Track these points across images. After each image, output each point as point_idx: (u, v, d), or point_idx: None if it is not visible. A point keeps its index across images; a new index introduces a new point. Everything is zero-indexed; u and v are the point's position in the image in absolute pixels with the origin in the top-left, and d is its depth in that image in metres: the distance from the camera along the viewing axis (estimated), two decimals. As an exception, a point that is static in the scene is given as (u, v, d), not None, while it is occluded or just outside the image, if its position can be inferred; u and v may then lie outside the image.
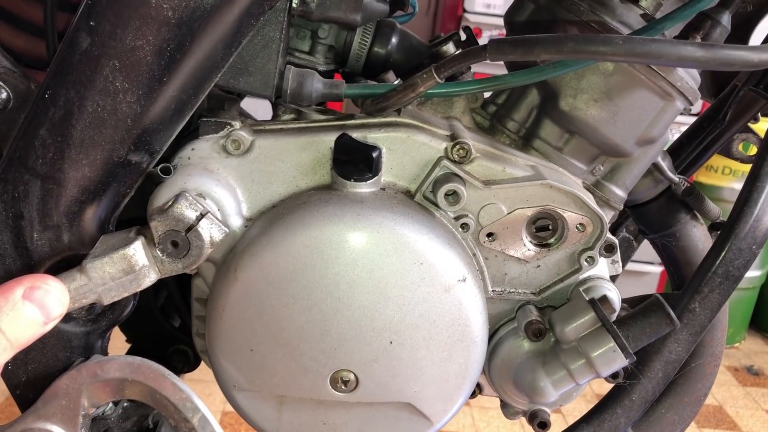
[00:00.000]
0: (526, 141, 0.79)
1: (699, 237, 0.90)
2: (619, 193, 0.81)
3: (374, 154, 0.69)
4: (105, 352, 0.75)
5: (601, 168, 0.81)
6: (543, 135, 0.78)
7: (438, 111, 0.80)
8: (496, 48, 0.62)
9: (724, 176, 3.13)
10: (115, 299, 0.63)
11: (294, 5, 0.69)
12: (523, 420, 0.82)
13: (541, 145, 0.78)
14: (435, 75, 0.67)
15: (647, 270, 3.12)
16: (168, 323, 0.89)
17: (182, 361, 0.88)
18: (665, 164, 0.86)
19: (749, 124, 0.97)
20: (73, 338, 0.72)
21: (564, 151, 0.78)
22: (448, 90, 0.71)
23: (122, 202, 0.70)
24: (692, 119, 1.03)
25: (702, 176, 3.12)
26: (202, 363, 0.90)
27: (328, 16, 0.72)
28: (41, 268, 0.69)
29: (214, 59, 0.65)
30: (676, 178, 0.86)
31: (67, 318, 0.71)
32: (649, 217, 0.90)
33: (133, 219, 0.73)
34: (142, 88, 0.64)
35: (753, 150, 0.95)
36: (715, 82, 1.00)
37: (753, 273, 3.20)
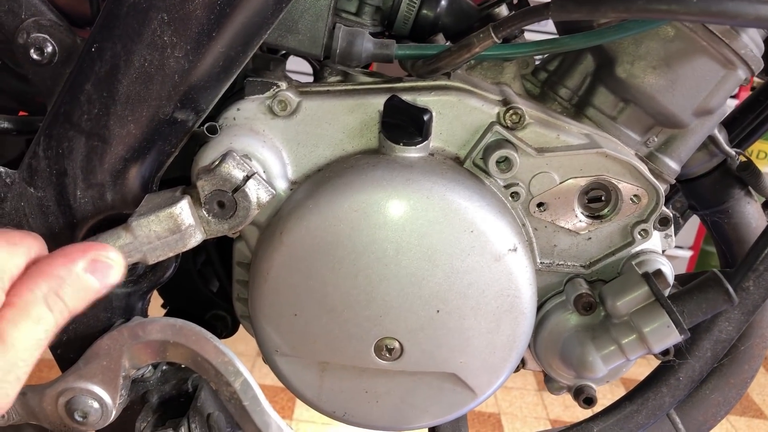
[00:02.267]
0: (578, 109, 0.77)
1: (753, 214, 0.87)
2: (673, 165, 0.79)
3: (425, 117, 0.67)
4: (145, 314, 0.74)
5: (656, 139, 0.78)
6: (597, 103, 0.75)
7: (488, 76, 0.78)
8: (560, 5, 0.59)
9: (759, 161, 3.06)
10: (160, 259, 0.62)
11: (346, -39, 0.67)
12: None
13: (595, 114, 0.76)
14: (493, 34, 0.64)
15: (677, 254, 3.07)
16: (206, 288, 0.88)
17: (220, 326, 0.87)
18: (721, 137, 0.83)
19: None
20: (114, 299, 0.71)
21: (618, 121, 0.76)
22: (504, 52, 0.69)
23: (167, 161, 0.68)
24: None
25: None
26: (239, 332, 0.89)
27: (378, -26, 0.69)
28: (84, 226, 0.68)
29: (263, 14, 0.63)
30: (732, 151, 0.83)
31: (109, 278, 0.70)
32: (702, 192, 0.87)
33: (175, 179, 0.72)
34: (191, 42, 0.62)
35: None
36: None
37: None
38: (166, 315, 0.88)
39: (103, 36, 0.63)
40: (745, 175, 0.84)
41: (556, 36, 0.71)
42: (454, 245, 0.65)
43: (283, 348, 0.70)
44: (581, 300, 0.71)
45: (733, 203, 0.87)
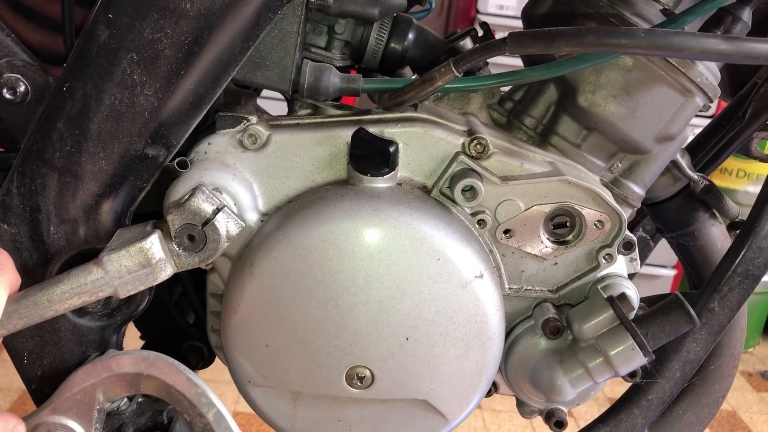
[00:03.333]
0: (543, 137, 0.78)
1: (718, 236, 0.89)
2: (637, 190, 0.81)
3: (391, 149, 0.69)
4: (120, 347, 0.75)
5: (620, 165, 0.80)
6: (561, 131, 0.77)
7: (454, 107, 0.80)
8: (516, 41, 0.61)
9: (739, 179, 3.10)
10: (131, 293, 0.63)
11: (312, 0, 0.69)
12: (535, 422, 0.81)
13: (559, 142, 0.78)
14: (453, 68, 0.66)
15: (661, 273, 3.09)
16: (182, 319, 0.88)
17: (196, 357, 0.88)
18: (684, 162, 0.85)
19: (768, 123, 0.96)
20: (88, 333, 0.72)
21: (582, 148, 0.78)
22: (466, 84, 0.71)
23: (139, 196, 0.70)
24: (707, 121, 1.02)
25: (716, 179, 3.09)
26: (216, 362, 0.90)
27: (345, 10, 0.71)
28: (57, 261, 0.69)
29: (231, 52, 0.65)
30: (695, 175, 0.85)
31: (83, 312, 0.71)
32: (667, 216, 0.89)
33: (149, 213, 0.73)
34: (160, 81, 0.64)
35: (774, 148, 0.94)
36: (733, 81, 0.99)
37: (764, 278, 3.17)
38: (143, 347, 0.89)
39: (74, 75, 0.64)
40: (709, 198, 0.87)
41: (521, 67, 0.74)
42: (422, 273, 0.66)
43: (255, 378, 0.70)
44: (549, 324, 0.72)
45: (698, 226, 0.89)
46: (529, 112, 0.79)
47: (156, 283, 0.64)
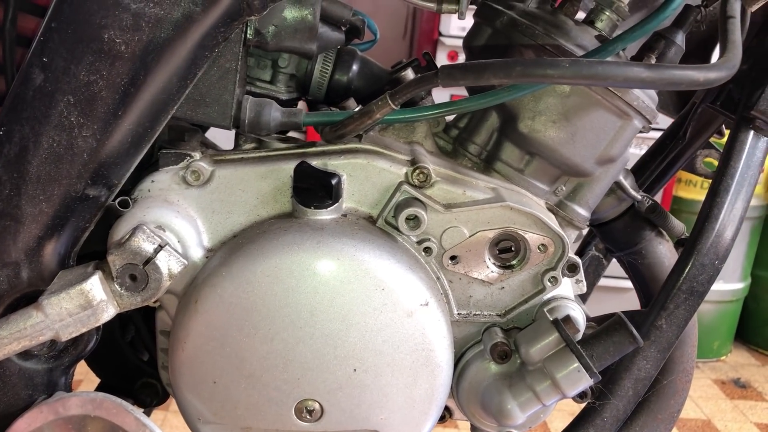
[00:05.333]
0: (487, 164, 0.80)
1: (665, 254, 0.91)
2: (581, 212, 0.82)
3: (333, 181, 0.69)
4: (69, 389, 0.74)
5: (563, 188, 0.81)
6: (504, 157, 0.79)
7: (400, 136, 0.80)
8: (448, 74, 0.63)
9: (703, 190, 3.15)
10: (74, 335, 0.63)
11: (249, 36, 0.70)
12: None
13: (503, 167, 0.79)
14: (390, 102, 0.67)
15: (629, 286, 3.13)
16: (135, 357, 0.88)
17: (151, 394, 0.87)
18: (628, 182, 0.87)
19: (712, 140, 0.98)
20: (35, 375, 0.71)
21: (525, 173, 0.79)
22: (405, 116, 0.72)
23: (82, 237, 0.70)
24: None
25: (681, 191, 3.15)
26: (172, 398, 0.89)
27: (283, 46, 0.72)
28: (1, 306, 0.69)
29: (169, 92, 0.66)
30: (638, 195, 0.87)
31: (29, 355, 0.70)
32: (615, 235, 0.91)
33: (96, 253, 0.73)
34: (98, 122, 0.64)
35: (716, 165, 0.96)
36: (679, 99, 1.02)
37: (735, 285, 3.21)
38: (98, 387, 0.88)
39: (11, 119, 0.64)
40: (653, 217, 0.88)
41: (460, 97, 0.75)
42: (367, 303, 0.67)
43: (205, 415, 0.70)
44: (497, 348, 0.73)
45: (645, 244, 0.90)
46: (472, 140, 0.80)
47: (98, 324, 0.63)
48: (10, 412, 0.70)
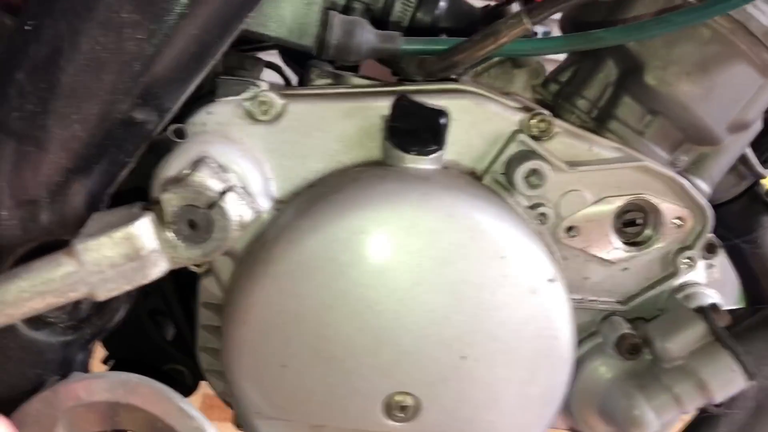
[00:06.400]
0: (600, 122, 0.67)
1: (783, 244, 0.79)
2: (704, 187, 0.70)
3: (442, 120, 0.56)
4: (86, 370, 0.59)
5: (684, 158, 0.69)
6: (621, 115, 0.66)
7: (495, 85, 0.68)
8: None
9: None
10: (113, 294, 0.48)
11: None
12: None
13: (619, 128, 0.66)
14: (526, 20, 0.54)
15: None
16: (160, 335, 0.73)
17: (177, 384, 0.72)
18: (751, 157, 0.75)
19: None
20: (46, 350, 0.56)
21: (645, 135, 0.66)
22: (532, 47, 0.59)
23: (120, 174, 0.55)
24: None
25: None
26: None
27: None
28: (9, 256, 0.54)
29: (248, -9, 0.52)
30: (765, 172, 0.75)
31: (41, 323, 0.55)
32: (730, 219, 0.78)
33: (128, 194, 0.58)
34: (156, 21, 0.50)
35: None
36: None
37: None
38: (110, 370, 0.73)
39: (42, 11, 0.50)
40: (777, 200, 0.76)
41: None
42: (483, 274, 0.53)
43: (265, 409, 0.56)
44: (625, 342, 0.60)
45: (761, 232, 0.78)
46: (581, 93, 0.67)
47: (146, 281, 0.49)
48: (13, 395, 0.55)
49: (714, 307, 0.59)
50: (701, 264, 0.65)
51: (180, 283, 0.70)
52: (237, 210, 0.50)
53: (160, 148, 0.56)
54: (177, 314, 0.71)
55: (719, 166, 0.70)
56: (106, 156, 0.53)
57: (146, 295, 0.73)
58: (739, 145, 0.70)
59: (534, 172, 0.58)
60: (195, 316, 0.63)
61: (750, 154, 0.75)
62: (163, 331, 0.75)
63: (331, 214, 0.53)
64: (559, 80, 0.70)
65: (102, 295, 0.48)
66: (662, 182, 0.61)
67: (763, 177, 0.75)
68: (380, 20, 0.70)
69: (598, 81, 0.67)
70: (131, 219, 0.48)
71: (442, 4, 0.71)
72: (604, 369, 0.62)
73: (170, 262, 0.50)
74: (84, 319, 0.57)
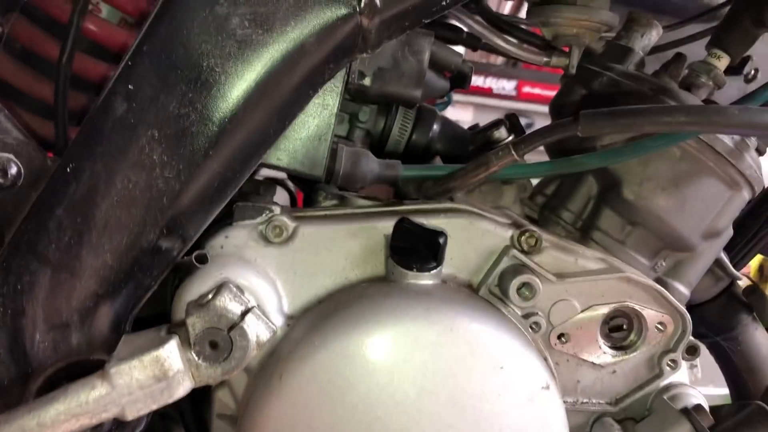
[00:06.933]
0: (584, 233, 0.73)
1: (762, 341, 0.83)
2: (683, 290, 0.75)
3: (440, 240, 0.61)
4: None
5: (663, 263, 0.74)
6: (603, 226, 0.72)
7: (486, 200, 0.74)
8: (590, 120, 0.56)
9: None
10: (142, 413, 0.51)
11: (351, 78, 0.63)
12: None
13: (602, 238, 0.72)
14: (513, 151, 0.60)
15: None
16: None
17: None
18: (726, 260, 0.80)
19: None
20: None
21: (626, 244, 0.72)
22: (523, 171, 0.65)
23: (144, 297, 0.59)
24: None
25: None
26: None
27: (386, 90, 0.65)
28: (40, 376, 0.57)
29: (266, 132, 0.58)
30: (738, 274, 0.80)
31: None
32: (709, 319, 0.83)
33: (145, 320, 0.62)
34: (184, 162, 0.55)
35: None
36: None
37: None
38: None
39: (82, 154, 0.55)
40: (752, 300, 0.81)
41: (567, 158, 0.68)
42: (484, 385, 0.57)
43: None
44: (617, 443, 0.63)
45: (741, 329, 0.83)
46: (566, 206, 0.73)
47: (171, 401, 0.52)
48: None
49: (698, 407, 0.63)
50: (684, 365, 0.69)
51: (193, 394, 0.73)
52: (255, 331, 0.54)
53: (180, 270, 0.61)
54: (189, 425, 0.74)
55: (696, 270, 0.76)
56: (133, 281, 0.57)
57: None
58: (713, 250, 0.76)
59: (525, 284, 0.63)
60: (208, 426, 0.66)
61: (724, 257, 0.80)
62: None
63: (340, 330, 0.57)
64: (544, 193, 0.76)
65: (130, 415, 0.51)
66: (644, 290, 0.66)
67: (738, 279, 0.80)
68: (380, 142, 0.77)
69: (581, 195, 0.73)
70: (160, 342, 0.52)
71: (435, 127, 0.78)
72: (600, 470, 0.65)
73: (193, 382, 0.53)
74: (108, 434, 0.60)
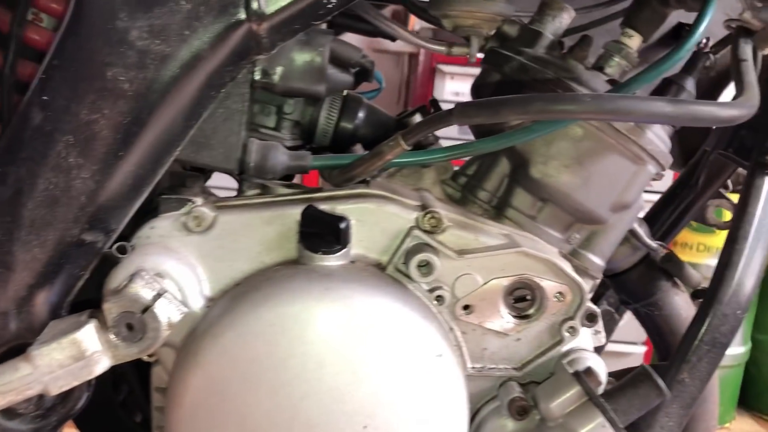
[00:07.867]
0: (498, 211, 0.77)
1: (681, 305, 0.87)
2: (596, 261, 0.79)
3: (341, 225, 0.66)
4: (55, 453, 0.69)
5: (577, 236, 0.79)
6: (515, 204, 0.76)
7: (407, 182, 0.78)
8: (462, 111, 0.61)
9: (699, 253, 3.14)
10: (64, 389, 0.58)
11: (256, 77, 0.68)
12: None
13: (515, 214, 0.76)
14: (402, 142, 0.65)
15: (630, 350, 3.06)
16: (129, 419, 0.83)
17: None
18: (642, 231, 0.84)
19: (721, 190, 0.96)
20: (18, 437, 0.66)
21: (538, 220, 0.76)
22: (416, 158, 0.70)
23: (76, 286, 0.66)
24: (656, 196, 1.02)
25: (677, 253, 3.13)
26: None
27: (291, 87, 0.70)
28: (-15, 359, 0.64)
29: (173, 132, 0.63)
30: (653, 244, 0.84)
31: (12, 414, 0.65)
32: (630, 286, 0.88)
33: (90, 302, 0.69)
34: (97, 163, 0.62)
35: (727, 216, 0.94)
36: (684, 150, 1.00)
37: (736, 350, 3.16)
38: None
39: (6, 160, 0.62)
40: (669, 267, 0.86)
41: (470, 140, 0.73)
42: (378, 354, 0.63)
43: (202, 479, 0.65)
44: (514, 404, 0.69)
45: (661, 295, 0.87)
46: (482, 186, 0.78)
47: (91, 377, 0.59)
48: (-11, 479, 0.65)
49: (588, 370, 0.68)
50: (585, 331, 0.74)
51: (143, 371, 0.81)
52: (166, 313, 0.61)
53: (111, 260, 0.68)
54: (140, 398, 0.81)
55: (609, 241, 0.80)
56: (63, 272, 0.64)
57: (117, 384, 0.84)
58: (625, 222, 0.80)
59: (425, 262, 0.68)
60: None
61: (639, 228, 0.84)
62: (133, 414, 0.85)
63: (247, 311, 0.63)
64: (466, 173, 0.80)
65: (53, 391, 0.58)
66: (541, 263, 0.71)
67: (653, 249, 0.85)
68: (309, 131, 0.82)
69: (495, 174, 0.78)
70: (78, 326, 0.59)
71: (361, 115, 0.83)
72: (501, 428, 0.70)
73: (112, 359, 0.60)
74: (50, 408, 0.67)
